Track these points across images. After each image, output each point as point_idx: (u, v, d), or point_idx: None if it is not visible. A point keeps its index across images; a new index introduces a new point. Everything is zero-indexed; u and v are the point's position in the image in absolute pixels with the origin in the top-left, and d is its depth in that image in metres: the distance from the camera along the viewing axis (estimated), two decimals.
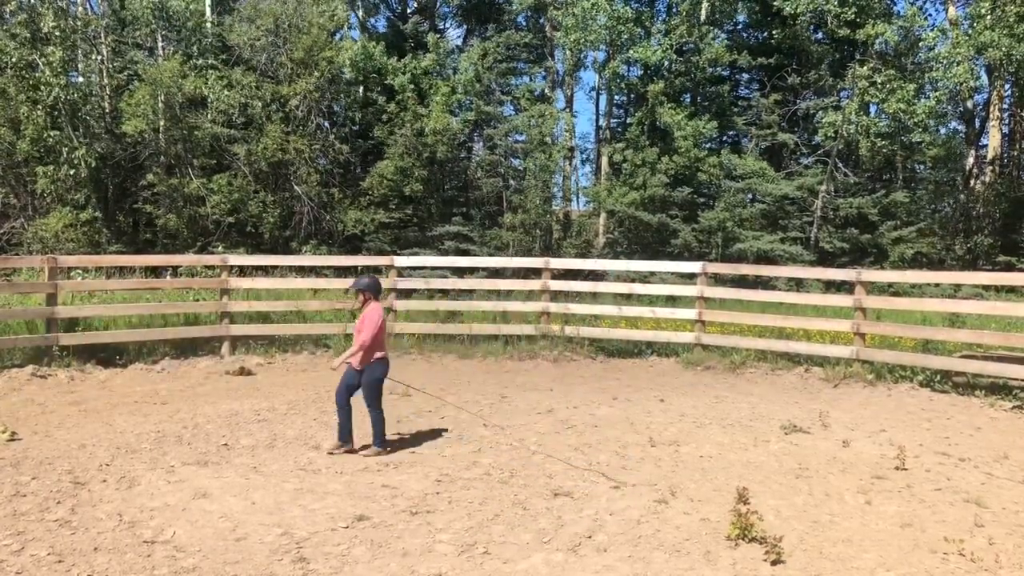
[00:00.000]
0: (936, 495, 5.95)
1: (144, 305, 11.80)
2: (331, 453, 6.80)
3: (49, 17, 19.03)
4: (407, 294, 13.70)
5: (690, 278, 15.41)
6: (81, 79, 22.40)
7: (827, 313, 11.78)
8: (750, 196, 23.04)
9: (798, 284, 18.50)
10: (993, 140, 24.69)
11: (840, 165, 21.97)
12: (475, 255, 19.59)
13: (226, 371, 10.43)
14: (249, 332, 11.75)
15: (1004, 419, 8.61)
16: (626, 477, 6.26)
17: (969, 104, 24.31)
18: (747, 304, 13.44)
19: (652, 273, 16.87)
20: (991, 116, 24.62)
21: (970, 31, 20.58)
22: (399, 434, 7.53)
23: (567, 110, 25.83)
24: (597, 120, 29.05)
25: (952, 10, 23.44)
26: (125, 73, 21.75)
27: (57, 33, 19.09)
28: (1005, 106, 25.55)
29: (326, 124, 22.40)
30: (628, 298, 12.95)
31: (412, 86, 22.08)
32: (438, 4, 27.39)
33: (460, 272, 16.31)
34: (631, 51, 22.23)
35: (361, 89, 23.21)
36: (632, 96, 25.06)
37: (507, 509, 5.54)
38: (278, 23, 20.85)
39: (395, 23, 26.24)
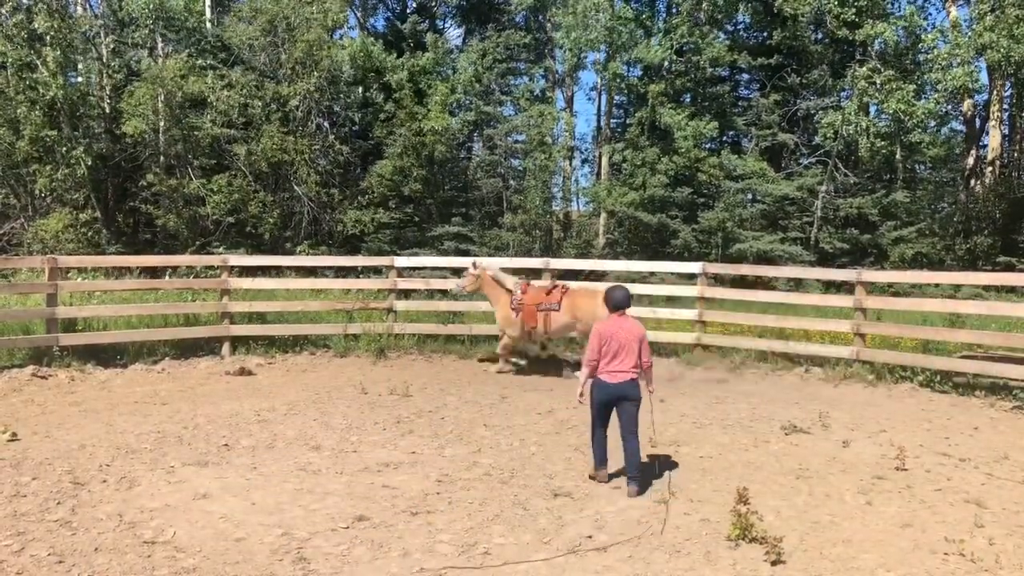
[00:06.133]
0: (936, 495, 5.95)
1: (144, 306, 11.79)
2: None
3: (43, 17, 19.04)
4: (407, 294, 13.69)
5: (690, 278, 15.41)
6: (80, 79, 22.41)
7: (827, 314, 11.77)
8: (750, 196, 23.04)
9: (798, 284, 18.49)
10: (993, 140, 24.69)
11: (840, 165, 21.97)
12: (475, 255, 19.55)
13: (226, 371, 10.43)
14: (249, 332, 11.75)
15: (1004, 419, 8.61)
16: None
17: (968, 105, 24.31)
18: (747, 304, 13.43)
19: (652, 273, 16.85)
20: (991, 117, 24.61)
21: (970, 32, 20.58)
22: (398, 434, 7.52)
23: (567, 110, 25.84)
24: (597, 120, 29.03)
25: (952, 11, 23.46)
26: (124, 73, 21.74)
27: (52, 33, 19.09)
28: (1005, 107, 25.56)
29: (326, 124, 22.39)
30: None
31: (410, 84, 22.08)
32: (437, 4, 27.40)
33: (460, 272, 16.26)
34: (631, 52, 22.24)
35: (360, 89, 23.21)
36: (632, 96, 25.06)
37: (507, 509, 5.54)
38: (275, 23, 20.84)
39: (394, 23, 26.26)
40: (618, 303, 6.13)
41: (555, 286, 10.49)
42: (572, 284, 11.00)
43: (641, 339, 5.97)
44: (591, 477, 6.21)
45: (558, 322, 10.27)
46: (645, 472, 6.19)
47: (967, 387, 9.78)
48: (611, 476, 6.17)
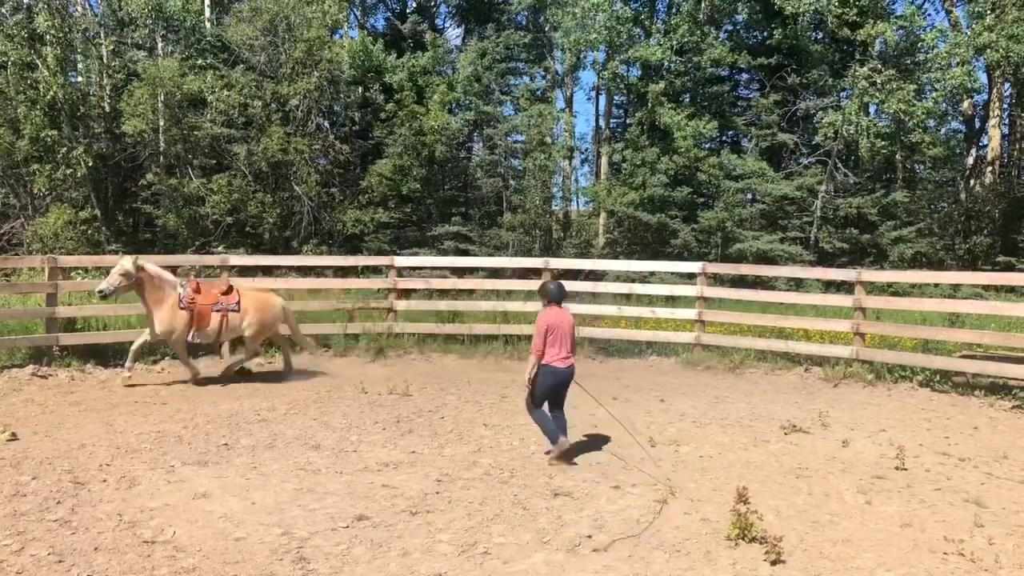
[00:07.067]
0: (936, 495, 5.96)
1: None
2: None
3: (43, 16, 19.03)
4: (407, 294, 13.70)
5: (690, 278, 15.41)
6: (80, 79, 22.41)
7: (827, 313, 11.78)
8: (750, 196, 23.03)
9: (798, 284, 18.50)
10: (993, 140, 24.72)
11: (840, 165, 21.97)
12: (475, 255, 19.58)
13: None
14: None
15: (1004, 419, 8.62)
16: (626, 477, 6.26)
17: (968, 104, 24.32)
18: (747, 304, 13.44)
19: (652, 273, 16.86)
20: (991, 116, 24.64)
21: (969, 32, 20.59)
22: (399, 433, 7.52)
23: (566, 110, 25.84)
24: (597, 120, 29.04)
25: (952, 11, 23.46)
26: (124, 73, 21.74)
27: (52, 33, 19.08)
28: (1005, 106, 25.58)
29: (326, 124, 22.39)
30: (628, 298, 12.95)
31: (410, 83, 22.06)
32: (437, 3, 27.40)
33: (460, 272, 16.30)
34: (631, 52, 22.22)
35: (360, 88, 23.21)
36: (632, 96, 25.05)
37: (507, 509, 5.54)
38: (275, 23, 20.83)
39: (394, 23, 26.25)
40: (556, 296, 6.75)
41: (231, 286, 10.26)
42: (241, 283, 11.04)
43: (573, 328, 6.72)
44: (555, 454, 6.49)
45: (234, 321, 10.05)
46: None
47: (967, 387, 9.79)
48: (557, 457, 6.57)
